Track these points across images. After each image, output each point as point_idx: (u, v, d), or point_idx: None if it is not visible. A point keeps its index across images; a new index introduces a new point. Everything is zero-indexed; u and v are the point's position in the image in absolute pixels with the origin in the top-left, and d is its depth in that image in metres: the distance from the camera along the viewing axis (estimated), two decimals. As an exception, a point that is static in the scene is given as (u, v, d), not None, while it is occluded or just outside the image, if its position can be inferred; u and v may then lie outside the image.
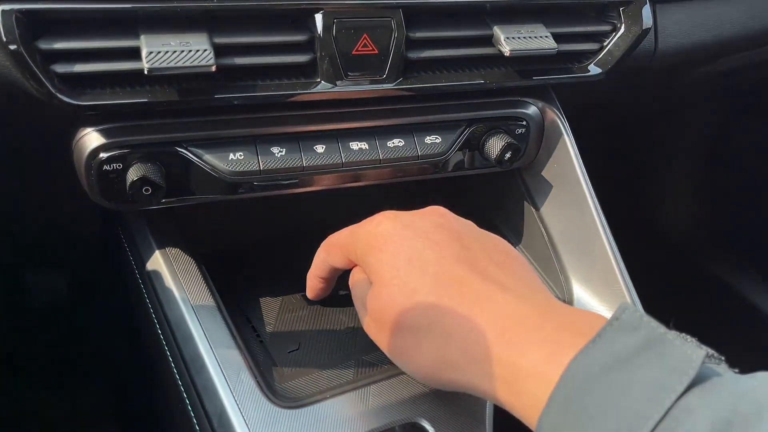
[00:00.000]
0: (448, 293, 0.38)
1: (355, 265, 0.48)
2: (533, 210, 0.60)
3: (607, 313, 0.53)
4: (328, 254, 0.49)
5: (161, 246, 0.53)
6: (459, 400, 0.47)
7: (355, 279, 0.48)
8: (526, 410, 0.34)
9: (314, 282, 0.53)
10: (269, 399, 0.44)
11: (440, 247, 0.41)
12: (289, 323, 0.56)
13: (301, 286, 0.60)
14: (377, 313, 0.41)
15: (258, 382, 0.45)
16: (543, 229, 0.59)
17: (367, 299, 0.43)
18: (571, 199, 0.57)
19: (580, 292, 0.56)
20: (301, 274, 0.62)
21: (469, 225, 0.45)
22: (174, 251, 0.53)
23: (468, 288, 0.38)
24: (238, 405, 0.43)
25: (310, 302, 0.58)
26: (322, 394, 0.46)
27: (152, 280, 0.52)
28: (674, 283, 1.22)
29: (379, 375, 0.48)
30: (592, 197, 0.56)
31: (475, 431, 0.45)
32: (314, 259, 0.52)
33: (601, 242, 0.55)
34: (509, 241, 0.62)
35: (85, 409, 1.08)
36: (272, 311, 0.57)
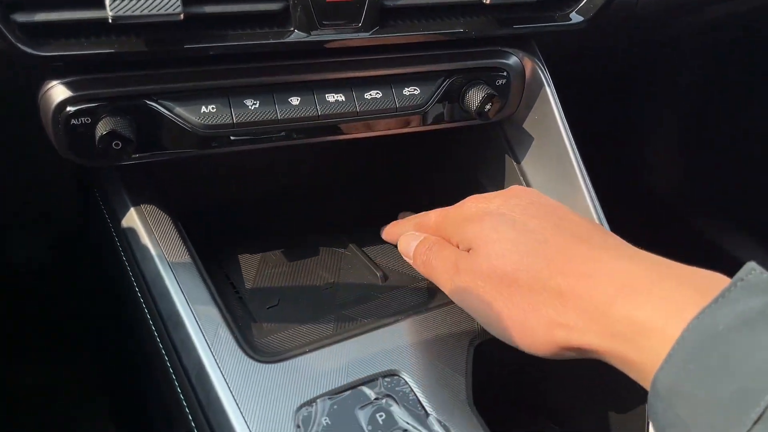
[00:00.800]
0: (558, 257, 0.38)
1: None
2: (514, 164, 0.59)
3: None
4: (419, 228, 0.51)
5: (136, 203, 0.52)
6: (437, 352, 0.47)
7: (429, 246, 0.48)
8: (643, 367, 0.33)
9: (391, 237, 0.55)
10: (247, 354, 0.44)
11: (539, 219, 0.42)
12: (269, 279, 0.55)
13: (282, 243, 0.60)
14: (483, 274, 0.41)
15: (236, 337, 0.45)
16: (524, 183, 0.59)
17: (461, 263, 0.43)
18: (552, 151, 0.57)
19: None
20: (281, 231, 0.62)
21: (557, 203, 0.45)
22: (149, 208, 0.52)
23: (576, 252, 0.38)
24: (216, 360, 0.43)
25: (290, 258, 0.58)
26: (301, 349, 0.45)
27: (127, 237, 0.51)
28: (658, 240, 1.23)
29: (359, 329, 0.48)
30: (573, 149, 0.56)
31: (452, 381, 0.45)
32: (394, 227, 0.55)
33: (582, 194, 0.54)
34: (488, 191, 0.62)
35: (71, 377, 1.09)
36: (251, 268, 0.56)
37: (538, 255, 0.39)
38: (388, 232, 0.56)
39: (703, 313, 0.31)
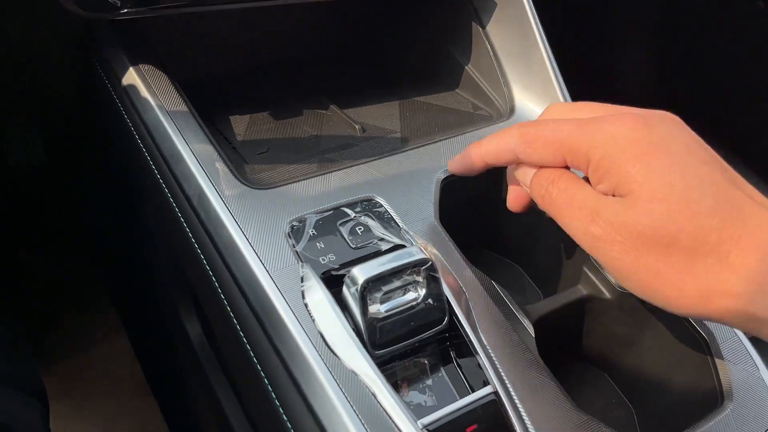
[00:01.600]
0: (731, 218, 0.33)
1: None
2: (480, 29, 0.65)
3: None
4: (529, 146, 0.39)
5: (135, 63, 0.57)
6: (409, 183, 0.53)
7: (553, 179, 0.39)
8: None
9: (475, 159, 0.44)
10: (242, 182, 0.50)
11: (710, 166, 0.35)
12: (257, 134, 0.61)
13: (268, 106, 0.65)
14: (634, 231, 0.34)
15: (231, 170, 0.51)
16: (489, 46, 0.64)
17: (604, 211, 0.35)
18: (513, 14, 0.62)
19: (521, 99, 0.61)
20: (268, 98, 0.67)
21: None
22: (147, 68, 0.57)
23: (751, 213, 0.34)
24: (214, 186, 0.49)
25: (276, 118, 0.63)
26: (290, 179, 0.51)
27: (128, 93, 0.56)
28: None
29: (340, 166, 0.53)
30: (532, 12, 0.61)
31: (422, 205, 0.51)
32: (492, 140, 0.42)
33: (540, 53, 0.60)
34: (457, 59, 0.68)
35: (73, 271, 1.14)
36: (241, 126, 0.62)
37: (712, 216, 0.33)
38: (475, 154, 0.44)
39: None
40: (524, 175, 0.41)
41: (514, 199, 0.45)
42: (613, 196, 0.36)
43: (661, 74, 1.26)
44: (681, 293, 0.34)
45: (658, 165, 0.34)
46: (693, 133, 0.37)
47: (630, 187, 0.35)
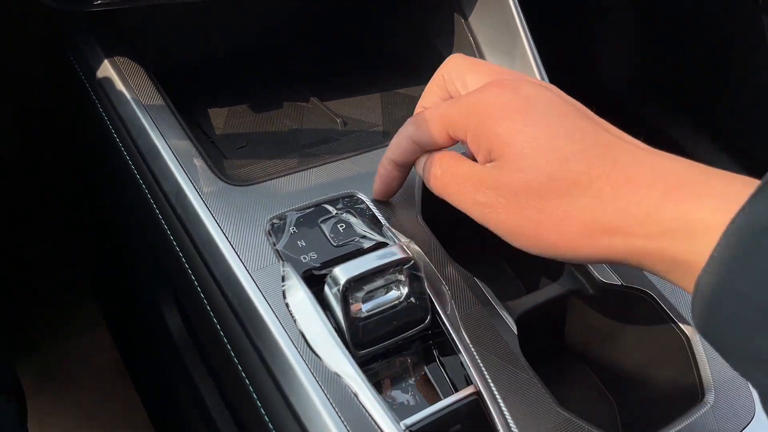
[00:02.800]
0: (600, 158, 0.34)
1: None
2: (462, 20, 0.64)
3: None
4: (419, 128, 0.42)
5: (109, 55, 0.56)
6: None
7: (439, 163, 0.41)
8: (693, 266, 0.31)
9: (388, 169, 0.46)
10: (221, 179, 0.49)
11: (575, 116, 0.36)
12: (236, 128, 0.60)
13: (247, 98, 0.64)
14: (513, 188, 0.36)
15: (210, 166, 0.50)
16: (471, 38, 0.63)
17: (484, 179, 0.37)
18: (496, 5, 0.61)
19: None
20: (245, 88, 0.66)
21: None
22: (122, 60, 0.56)
23: (620, 151, 0.34)
24: (192, 183, 0.48)
25: (255, 111, 0.62)
26: (270, 176, 0.51)
27: (102, 86, 0.55)
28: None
29: (321, 161, 0.53)
30: (515, 3, 0.60)
31: (404, 201, 0.51)
32: (393, 139, 0.45)
33: (522, 44, 0.59)
34: (439, 50, 0.67)
35: (51, 263, 1.13)
36: (219, 119, 0.61)
37: (579, 159, 0.34)
38: (386, 164, 0.46)
39: (752, 201, 0.28)
40: (419, 163, 0.43)
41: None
42: (491, 162, 0.37)
43: (644, 65, 1.27)
44: (565, 237, 0.35)
45: (522, 123, 0.36)
46: (563, 93, 0.39)
47: (501, 149, 0.36)
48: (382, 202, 0.50)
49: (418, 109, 0.46)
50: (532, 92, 0.37)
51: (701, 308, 0.29)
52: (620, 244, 0.34)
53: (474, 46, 0.63)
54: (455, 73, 0.43)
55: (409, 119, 0.43)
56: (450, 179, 0.40)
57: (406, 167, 0.46)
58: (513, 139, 0.36)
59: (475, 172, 0.38)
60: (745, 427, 0.44)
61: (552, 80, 0.59)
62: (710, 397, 0.45)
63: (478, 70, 0.42)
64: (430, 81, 0.45)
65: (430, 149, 0.42)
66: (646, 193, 0.33)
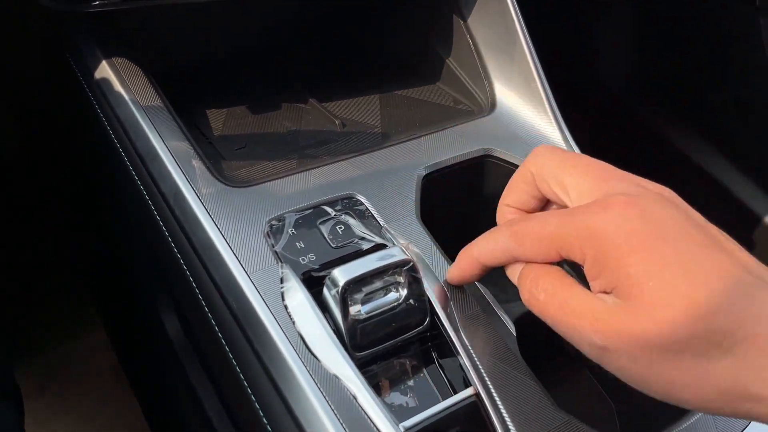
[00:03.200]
0: (743, 313, 0.30)
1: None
2: (461, 22, 0.64)
3: (526, 111, 0.59)
4: (520, 245, 0.37)
5: (108, 56, 0.55)
6: (390, 180, 0.52)
7: (556, 286, 0.36)
8: None
9: (471, 266, 0.41)
10: (219, 180, 0.49)
11: (708, 245, 0.32)
12: (235, 129, 0.60)
13: (245, 99, 0.64)
14: (643, 339, 0.31)
15: (208, 167, 0.50)
16: (470, 40, 0.63)
17: (606, 319, 0.32)
18: (495, 7, 0.61)
19: (502, 93, 0.61)
20: (244, 90, 0.66)
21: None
22: (121, 61, 0.55)
23: (762, 300, 0.31)
24: (191, 184, 0.48)
25: (254, 112, 0.62)
26: (269, 177, 0.51)
27: (101, 87, 0.55)
28: (606, 131, 1.29)
29: (320, 163, 0.53)
30: (514, 6, 0.60)
31: (403, 202, 0.51)
32: (484, 240, 0.40)
33: (521, 45, 0.59)
34: (438, 52, 0.67)
35: (50, 265, 1.13)
36: (218, 121, 0.61)
37: (723, 316, 0.30)
38: (470, 261, 0.41)
39: None
40: (512, 271, 0.39)
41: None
42: (610, 294, 0.33)
43: (642, 63, 1.27)
44: (701, 398, 0.31)
45: (656, 261, 0.31)
46: (688, 209, 0.35)
47: (630, 290, 0.32)
48: (380, 204, 0.50)
49: (502, 210, 0.42)
50: (661, 214, 0.33)
51: None
52: (765, 411, 0.30)
53: (473, 48, 0.63)
54: (548, 172, 0.38)
55: (503, 226, 0.39)
56: (559, 309, 0.35)
57: (490, 269, 0.41)
58: (647, 282, 0.31)
59: (594, 308, 0.33)
60: (743, 430, 0.44)
61: (550, 79, 0.59)
62: None
63: (576, 170, 0.37)
64: (516, 176, 0.41)
65: (528, 263, 0.38)
66: None
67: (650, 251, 0.31)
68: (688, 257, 0.31)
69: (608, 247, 0.32)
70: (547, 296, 0.35)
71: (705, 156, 1.18)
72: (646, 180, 0.36)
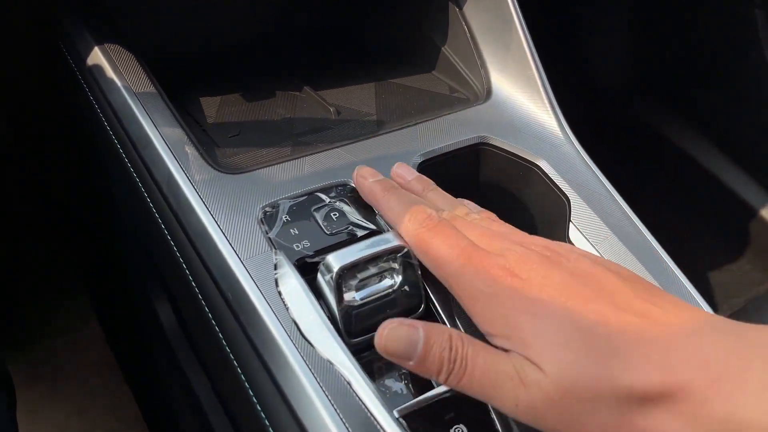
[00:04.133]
0: (633, 351, 0.32)
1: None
2: (457, 9, 0.63)
3: (522, 99, 0.59)
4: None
5: (100, 43, 0.55)
6: (385, 167, 0.51)
7: (459, 348, 0.36)
8: None
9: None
10: (213, 167, 0.49)
11: (598, 291, 0.34)
12: (229, 117, 0.59)
13: (239, 87, 0.63)
14: (554, 389, 0.33)
15: (202, 154, 0.49)
16: (466, 27, 0.63)
17: (525, 374, 0.34)
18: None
19: (498, 81, 0.61)
20: (238, 79, 0.65)
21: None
22: (113, 47, 0.55)
23: (648, 339, 0.32)
24: (184, 171, 0.48)
25: (248, 100, 0.61)
26: (263, 164, 0.50)
27: (93, 74, 0.54)
28: (601, 127, 1.29)
29: (314, 150, 0.52)
30: (512, -2, 0.59)
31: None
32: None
33: (517, 34, 0.59)
34: (433, 39, 0.66)
35: (42, 254, 1.12)
36: (212, 108, 0.60)
37: (615, 356, 0.32)
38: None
39: None
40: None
41: None
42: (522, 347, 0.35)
43: (637, 58, 1.27)
44: None
45: (548, 320, 0.34)
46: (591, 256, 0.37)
47: (535, 344, 0.34)
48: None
49: None
50: (555, 260, 0.36)
51: None
52: None
53: (469, 36, 0.62)
54: None
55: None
56: (480, 374, 0.36)
57: None
58: (542, 347, 0.34)
59: (512, 364, 0.35)
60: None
61: (548, 75, 0.59)
62: None
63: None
64: None
65: None
66: (689, 390, 0.30)
67: (542, 318, 0.34)
68: (580, 323, 0.33)
69: (504, 310, 0.36)
70: (472, 358, 0.36)
71: (700, 153, 1.19)
72: None
